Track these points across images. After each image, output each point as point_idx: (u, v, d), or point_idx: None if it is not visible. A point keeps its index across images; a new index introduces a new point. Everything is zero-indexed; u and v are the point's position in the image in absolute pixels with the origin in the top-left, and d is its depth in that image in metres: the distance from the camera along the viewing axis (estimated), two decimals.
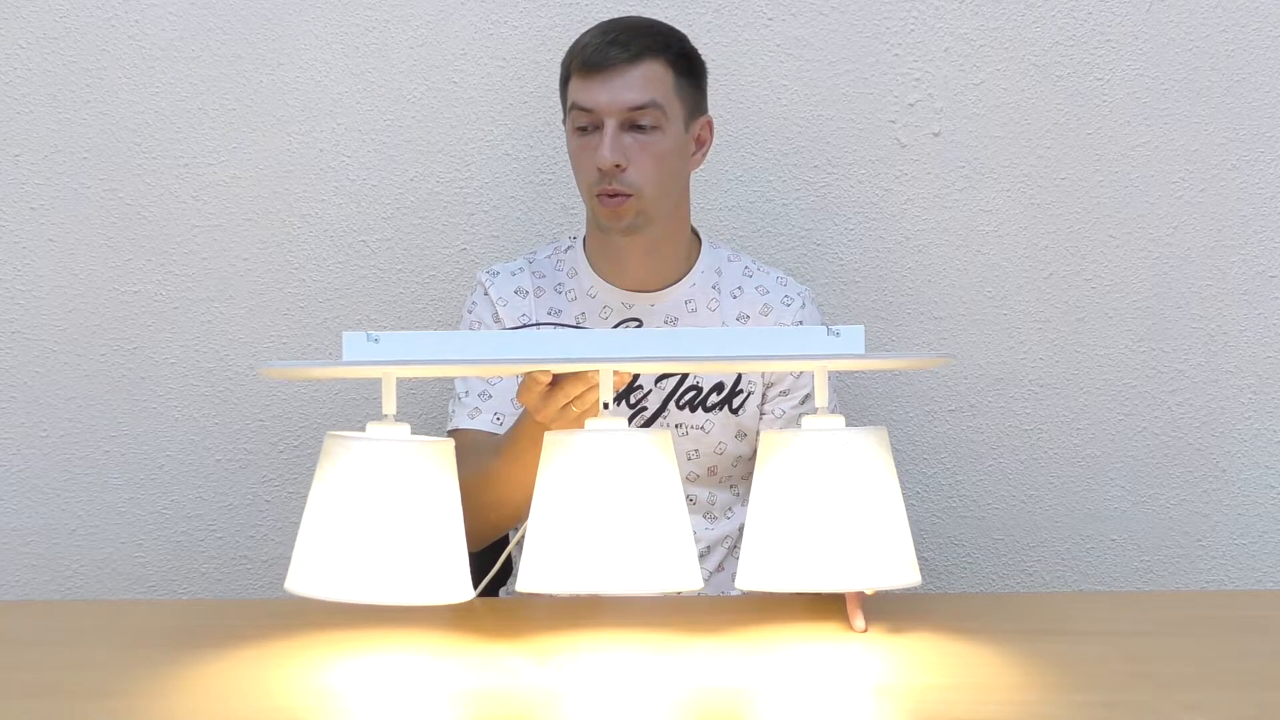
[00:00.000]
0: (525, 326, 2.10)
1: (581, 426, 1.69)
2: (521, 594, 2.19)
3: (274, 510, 2.56)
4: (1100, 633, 1.77)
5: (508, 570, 2.24)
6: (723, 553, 2.17)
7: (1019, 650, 1.70)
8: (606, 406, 1.65)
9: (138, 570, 2.58)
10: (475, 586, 1.97)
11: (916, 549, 2.65)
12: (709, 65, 2.44)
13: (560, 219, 2.50)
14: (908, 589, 1.68)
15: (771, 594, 2.21)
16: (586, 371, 1.69)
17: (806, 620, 1.85)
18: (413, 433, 1.65)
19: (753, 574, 1.69)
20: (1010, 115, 2.49)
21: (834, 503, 1.63)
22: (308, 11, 2.45)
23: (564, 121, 2.15)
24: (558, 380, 1.71)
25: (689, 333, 1.67)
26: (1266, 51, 2.48)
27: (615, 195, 2.04)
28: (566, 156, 2.47)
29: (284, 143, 2.48)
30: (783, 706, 1.60)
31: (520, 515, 2.04)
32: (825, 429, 1.66)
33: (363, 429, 1.64)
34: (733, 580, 2.17)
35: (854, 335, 1.67)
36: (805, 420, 1.70)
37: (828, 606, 1.85)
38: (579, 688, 1.64)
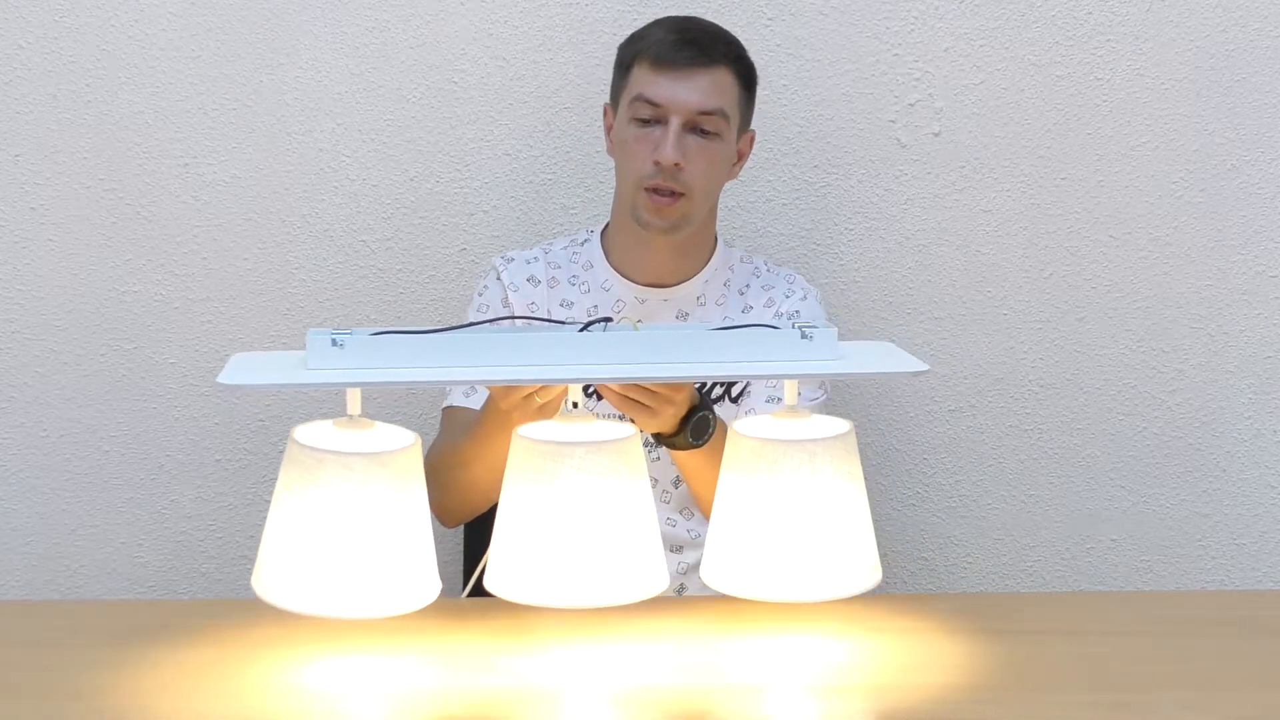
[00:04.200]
0: (498, 319, 2.11)
1: (544, 416, 1.69)
2: None
3: None
4: (1100, 633, 1.77)
5: None
6: None
7: (1020, 650, 1.70)
8: (575, 405, 1.65)
9: (138, 570, 2.58)
10: (465, 585, 1.97)
11: (917, 549, 2.67)
12: None
13: (560, 219, 2.50)
14: (869, 590, 1.67)
15: None
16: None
17: (805, 620, 1.85)
18: (405, 420, 1.64)
19: (716, 575, 1.69)
20: (1010, 115, 2.49)
21: (796, 519, 1.63)
22: (308, 11, 2.44)
23: (607, 105, 2.16)
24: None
25: (659, 335, 1.66)
26: (1266, 51, 2.48)
27: (666, 193, 2.04)
28: (566, 156, 2.48)
29: (284, 143, 2.48)
30: (781, 706, 1.60)
31: (491, 498, 2.05)
32: (790, 439, 1.65)
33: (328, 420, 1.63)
34: None
35: (826, 337, 1.66)
36: (772, 421, 1.69)
37: (825, 607, 1.85)
38: (575, 688, 1.64)
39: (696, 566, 2.16)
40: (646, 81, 2.06)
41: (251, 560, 2.56)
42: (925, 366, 1.68)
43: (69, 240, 2.49)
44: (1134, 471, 2.58)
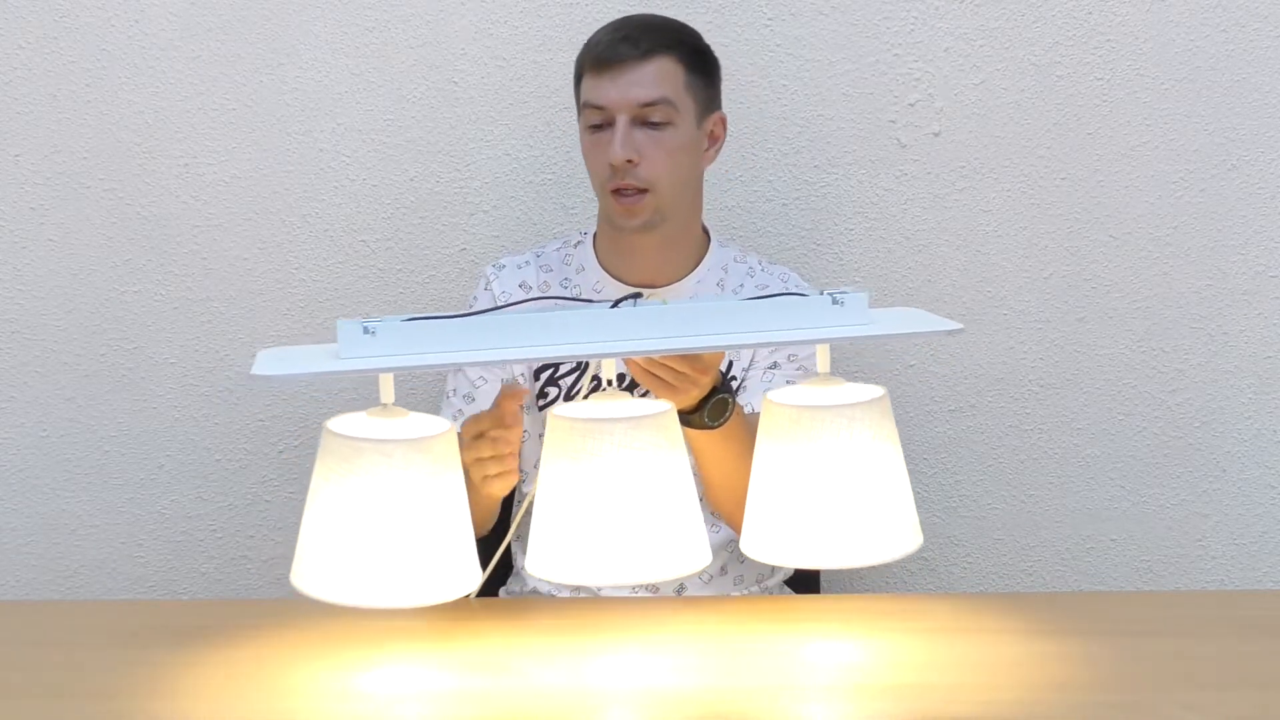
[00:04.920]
0: (528, 300, 2.12)
1: (476, 482, 1.74)
2: (521, 594, 2.20)
3: (274, 510, 2.56)
4: (1100, 633, 1.77)
5: (508, 570, 2.24)
6: (726, 556, 2.16)
7: (1019, 650, 1.71)
8: (611, 384, 1.65)
9: (138, 570, 2.58)
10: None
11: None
12: None
13: (561, 219, 2.50)
14: (910, 554, 1.67)
15: (766, 586, 2.22)
16: (504, 434, 1.77)
17: (806, 621, 1.86)
18: (417, 408, 1.63)
19: (759, 546, 1.68)
20: (1010, 115, 2.49)
21: (837, 484, 1.63)
22: (308, 11, 2.45)
23: (579, 120, 2.16)
24: (487, 433, 1.78)
25: (689, 308, 1.65)
26: (1266, 51, 2.48)
27: (629, 192, 2.04)
28: (566, 156, 2.48)
29: (284, 143, 2.48)
30: (783, 706, 1.60)
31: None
32: (827, 405, 1.65)
33: (361, 411, 1.62)
34: (734, 582, 2.17)
35: (857, 303, 1.65)
36: (805, 389, 1.68)
37: (827, 607, 1.85)
38: (579, 688, 1.64)
39: None
40: (590, 87, 2.07)
41: (251, 560, 2.58)
42: (958, 326, 1.67)
43: (69, 240, 2.49)
44: (1134, 471, 2.59)
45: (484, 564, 1.94)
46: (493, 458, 1.80)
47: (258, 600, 2.50)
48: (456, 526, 1.59)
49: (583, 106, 2.09)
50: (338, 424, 1.59)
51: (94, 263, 2.50)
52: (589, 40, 2.10)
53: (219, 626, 1.80)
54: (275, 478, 2.56)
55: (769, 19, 2.46)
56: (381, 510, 1.55)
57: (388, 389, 1.60)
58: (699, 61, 2.11)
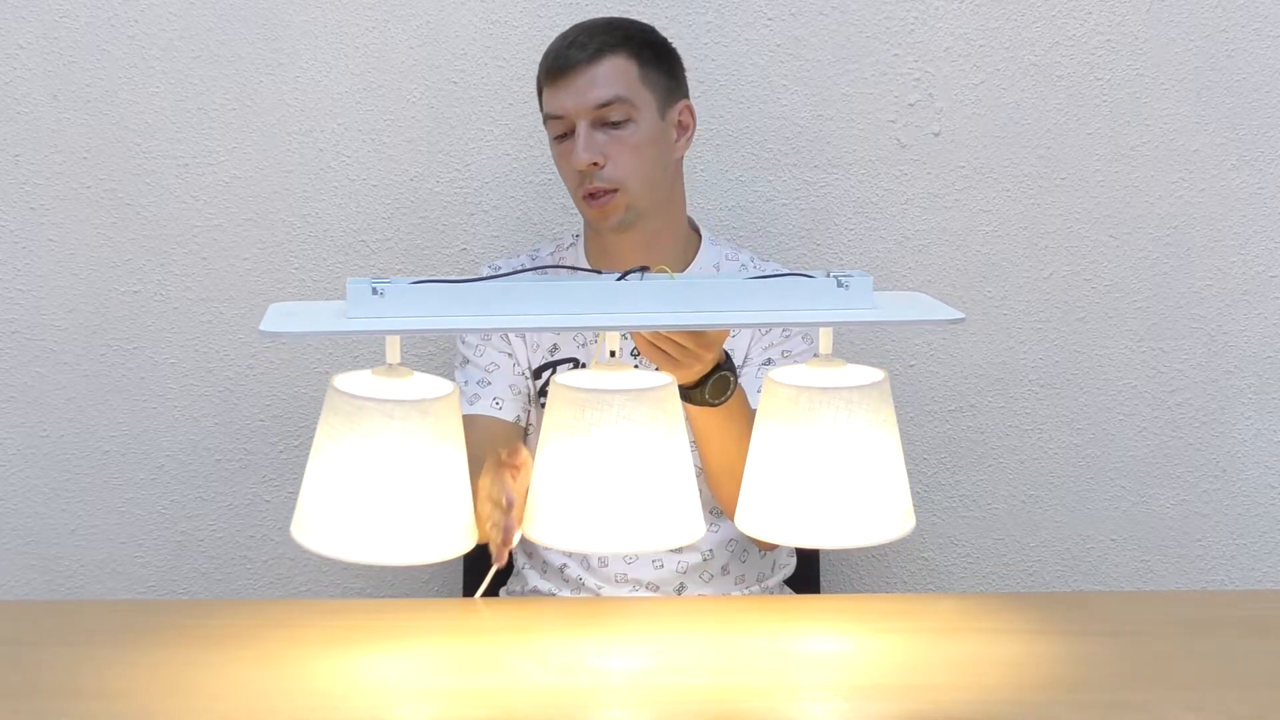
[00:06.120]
0: (534, 269, 2.13)
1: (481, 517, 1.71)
2: (522, 593, 2.20)
3: (274, 510, 2.56)
4: (1100, 633, 1.77)
5: (509, 570, 2.24)
6: (727, 555, 2.16)
7: (1019, 650, 1.71)
8: (613, 354, 1.66)
9: (138, 570, 2.58)
10: (478, 587, 1.97)
11: (917, 549, 2.67)
12: (710, 66, 2.44)
13: (560, 219, 2.50)
14: (902, 537, 1.67)
15: (766, 586, 2.22)
16: (500, 505, 1.73)
17: (806, 620, 1.86)
18: (421, 369, 1.63)
19: (752, 521, 1.70)
20: (1010, 115, 2.49)
21: (831, 466, 1.63)
22: (308, 11, 2.45)
23: (547, 133, 2.17)
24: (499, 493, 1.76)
25: (696, 284, 1.65)
26: (1266, 51, 2.48)
27: (599, 194, 2.05)
28: None
29: (284, 143, 2.48)
30: (783, 706, 1.60)
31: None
32: (826, 387, 1.65)
33: (367, 369, 1.63)
34: (735, 582, 2.17)
35: (862, 286, 1.65)
36: (807, 370, 1.69)
37: (827, 607, 1.85)
38: (579, 688, 1.64)
39: (696, 567, 2.16)
40: (548, 98, 2.08)
41: (252, 560, 2.58)
42: (960, 315, 1.67)
43: (69, 240, 2.49)
44: (1134, 471, 2.59)
45: (486, 567, 1.95)
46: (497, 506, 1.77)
47: (258, 600, 2.50)
48: (454, 488, 1.61)
49: (546, 119, 2.10)
50: (343, 381, 1.61)
51: (94, 263, 2.50)
52: (544, 53, 2.10)
53: (219, 626, 1.80)
54: (275, 478, 2.55)
55: (769, 19, 2.46)
56: (381, 469, 1.56)
57: (394, 350, 1.61)
58: (652, 54, 2.10)
